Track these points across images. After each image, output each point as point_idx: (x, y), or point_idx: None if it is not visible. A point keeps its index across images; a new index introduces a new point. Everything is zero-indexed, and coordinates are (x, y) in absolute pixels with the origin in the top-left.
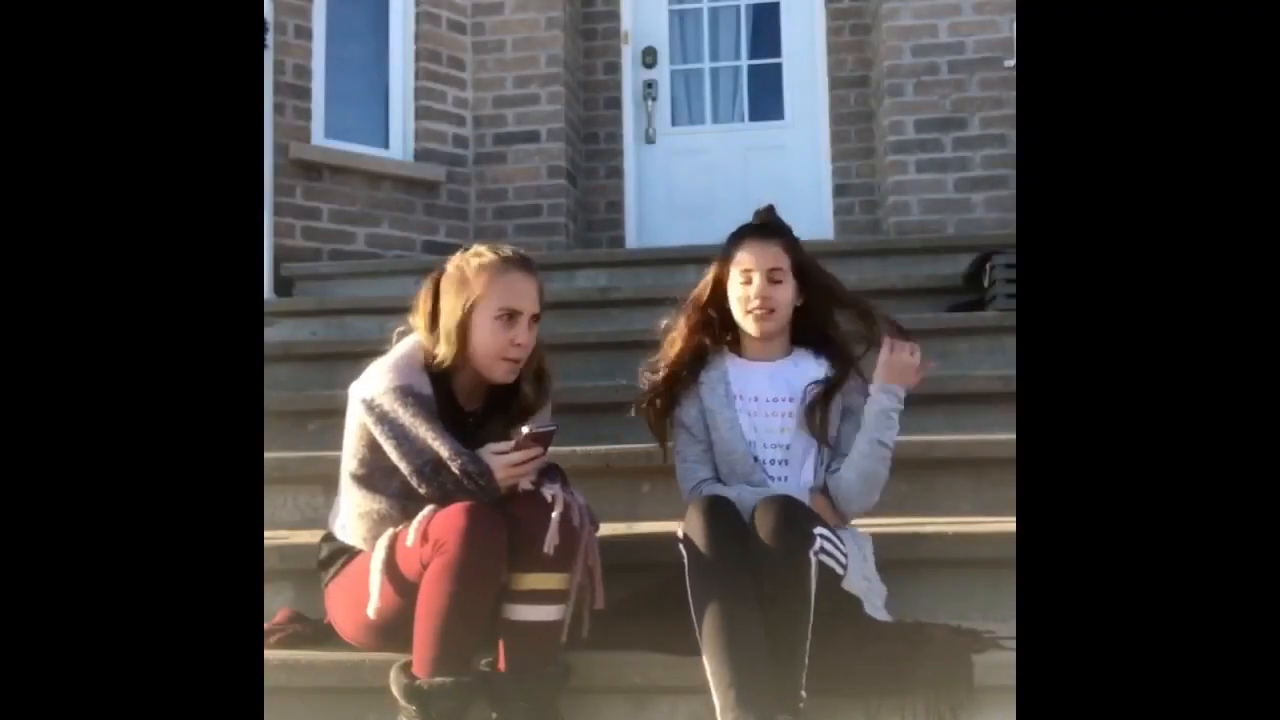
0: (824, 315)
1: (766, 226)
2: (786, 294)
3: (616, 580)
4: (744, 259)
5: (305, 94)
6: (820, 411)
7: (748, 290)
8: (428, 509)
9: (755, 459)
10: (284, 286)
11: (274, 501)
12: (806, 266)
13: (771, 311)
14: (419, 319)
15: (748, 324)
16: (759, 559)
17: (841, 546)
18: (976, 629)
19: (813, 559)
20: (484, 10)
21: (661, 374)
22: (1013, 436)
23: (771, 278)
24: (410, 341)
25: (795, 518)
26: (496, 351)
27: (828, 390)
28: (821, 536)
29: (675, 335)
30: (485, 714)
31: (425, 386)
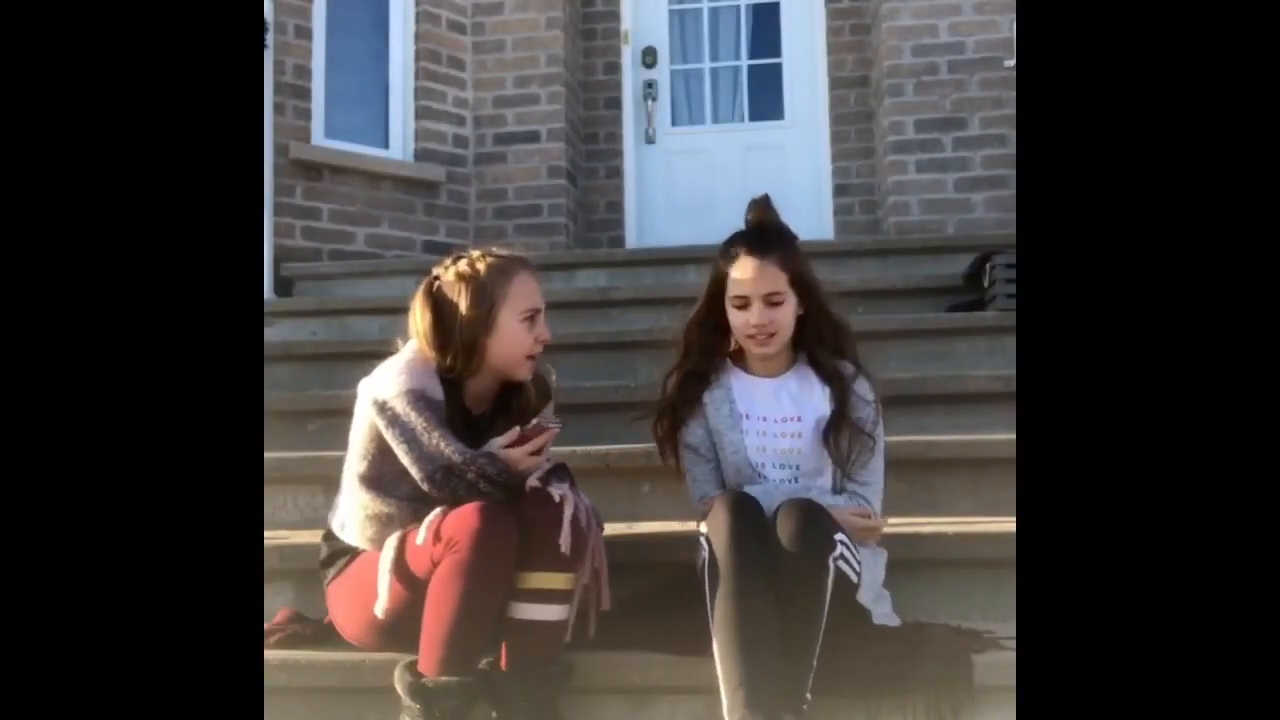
0: (821, 324)
1: (761, 237)
2: (786, 314)
3: (617, 580)
4: (738, 283)
5: (305, 94)
6: (834, 439)
7: (746, 316)
8: (439, 509)
9: (764, 479)
10: (284, 286)
11: (274, 501)
12: (804, 276)
13: (772, 335)
14: (419, 333)
15: (749, 347)
16: (778, 560)
17: (858, 556)
18: (976, 629)
19: (831, 565)
20: (484, 10)
21: (664, 400)
22: (1013, 436)
23: (769, 301)
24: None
25: (818, 522)
26: (525, 351)
27: (836, 421)
28: (842, 544)
29: (675, 360)
30: (486, 713)
31: (437, 390)
